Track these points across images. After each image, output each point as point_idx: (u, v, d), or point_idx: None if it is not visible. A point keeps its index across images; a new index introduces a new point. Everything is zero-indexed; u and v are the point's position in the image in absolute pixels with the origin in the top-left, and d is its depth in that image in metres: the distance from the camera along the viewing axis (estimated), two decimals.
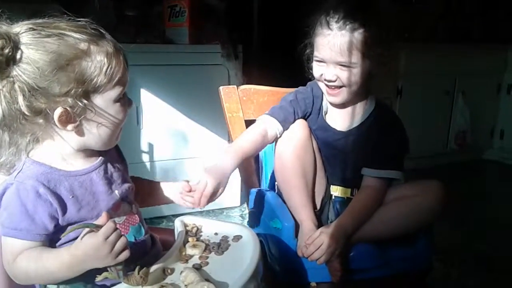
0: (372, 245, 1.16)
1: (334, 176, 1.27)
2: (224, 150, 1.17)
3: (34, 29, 0.76)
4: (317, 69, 1.19)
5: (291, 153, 1.18)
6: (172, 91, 2.29)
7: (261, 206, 1.29)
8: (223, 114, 1.40)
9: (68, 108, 0.77)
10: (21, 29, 0.76)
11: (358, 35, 1.11)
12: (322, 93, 1.26)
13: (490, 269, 1.98)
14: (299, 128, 1.21)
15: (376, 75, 1.20)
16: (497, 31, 3.53)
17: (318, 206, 1.25)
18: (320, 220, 1.22)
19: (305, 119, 1.26)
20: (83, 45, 0.78)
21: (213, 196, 1.05)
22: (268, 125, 1.21)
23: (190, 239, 0.95)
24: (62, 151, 0.84)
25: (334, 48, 1.12)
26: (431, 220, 1.20)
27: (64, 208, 0.80)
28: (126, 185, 0.91)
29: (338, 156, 1.24)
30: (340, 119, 1.25)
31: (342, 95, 1.19)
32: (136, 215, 0.93)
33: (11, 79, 0.75)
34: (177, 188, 1.04)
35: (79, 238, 0.75)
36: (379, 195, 1.22)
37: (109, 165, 0.90)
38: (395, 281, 1.17)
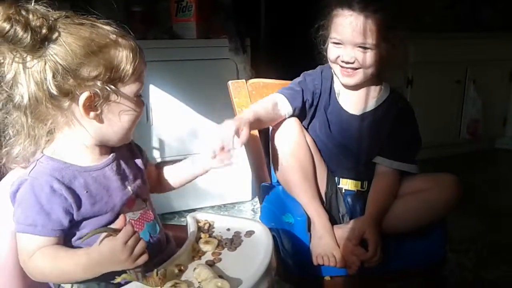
0: (385, 238, 1.15)
1: (343, 169, 1.26)
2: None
3: (68, 17, 0.80)
4: (333, 51, 1.18)
5: (285, 150, 1.18)
6: (181, 86, 2.29)
7: (273, 201, 1.29)
8: (233, 109, 1.39)
9: (97, 92, 0.79)
10: (57, 15, 0.79)
11: (379, 16, 1.11)
12: (333, 75, 1.24)
13: (505, 259, 1.96)
14: (290, 124, 1.20)
15: (388, 58, 1.18)
16: (508, 19, 3.47)
17: (324, 201, 1.24)
18: (330, 214, 1.21)
19: (317, 102, 1.24)
20: (112, 36, 0.81)
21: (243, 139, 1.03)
22: (278, 99, 1.21)
23: (202, 235, 0.95)
24: (76, 146, 0.84)
25: (356, 29, 1.11)
26: (444, 214, 1.19)
27: (78, 203, 0.81)
28: (138, 182, 0.92)
29: (351, 143, 1.23)
30: (354, 102, 1.24)
31: (357, 77, 1.18)
32: (150, 212, 0.93)
33: (43, 59, 0.77)
34: (204, 156, 1.02)
35: (97, 243, 0.75)
36: (396, 186, 1.22)
37: (121, 162, 0.90)
38: (409, 274, 1.17)
